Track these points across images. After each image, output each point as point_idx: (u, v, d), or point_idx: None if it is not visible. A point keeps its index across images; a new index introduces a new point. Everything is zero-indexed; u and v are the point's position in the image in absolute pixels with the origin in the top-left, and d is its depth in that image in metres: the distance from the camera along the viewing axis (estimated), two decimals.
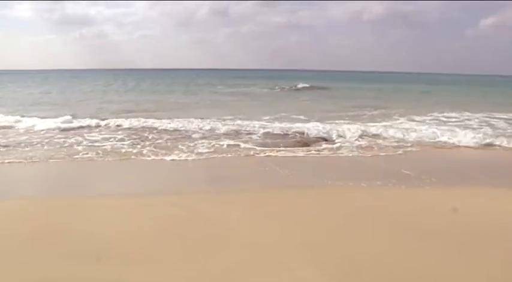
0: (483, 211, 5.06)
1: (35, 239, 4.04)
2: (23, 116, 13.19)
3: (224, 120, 12.95)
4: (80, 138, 9.95)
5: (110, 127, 11.82)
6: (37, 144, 9.29)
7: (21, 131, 11.24)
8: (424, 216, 4.84)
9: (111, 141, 9.65)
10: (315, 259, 3.63)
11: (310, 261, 3.59)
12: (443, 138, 10.34)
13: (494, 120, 14.30)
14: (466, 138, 10.21)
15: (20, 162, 7.55)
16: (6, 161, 7.56)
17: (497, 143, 9.95)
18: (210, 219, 4.62)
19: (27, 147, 8.94)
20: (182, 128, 11.56)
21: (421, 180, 6.48)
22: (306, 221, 4.62)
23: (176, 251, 3.82)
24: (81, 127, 11.74)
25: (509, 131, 12.02)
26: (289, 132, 11.03)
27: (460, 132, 10.89)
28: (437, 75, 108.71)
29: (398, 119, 14.12)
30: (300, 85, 34.49)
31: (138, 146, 9.06)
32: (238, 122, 12.57)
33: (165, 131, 11.27)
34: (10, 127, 11.82)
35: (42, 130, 11.21)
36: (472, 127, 12.54)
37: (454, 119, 14.43)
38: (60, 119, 12.42)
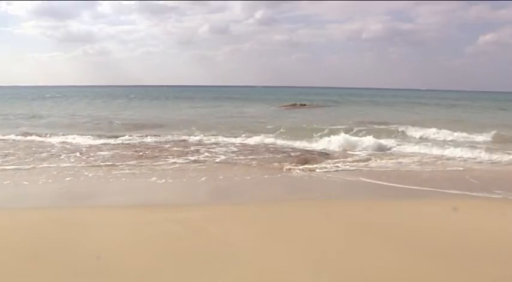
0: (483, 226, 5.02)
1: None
2: None
3: None
4: None
5: None
6: None
7: None
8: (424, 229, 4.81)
9: None
10: (320, 274, 3.58)
11: (314, 276, 3.54)
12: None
13: None
14: None
15: None
16: None
17: None
18: (212, 235, 4.58)
19: None
20: None
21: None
22: (309, 235, 4.58)
23: (178, 270, 3.77)
24: None
25: None
26: None
27: None
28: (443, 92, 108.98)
29: None
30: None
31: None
32: None
33: None
34: None
35: None
36: None
37: None
38: None
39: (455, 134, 13.84)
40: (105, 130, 15.74)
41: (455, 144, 12.17)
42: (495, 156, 9.98)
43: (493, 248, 4.25)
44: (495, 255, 4.08)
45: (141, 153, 10.24)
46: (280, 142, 12.24)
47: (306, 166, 8.86)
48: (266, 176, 7.98)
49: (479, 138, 13.28)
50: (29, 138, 12.61)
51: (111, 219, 5.30)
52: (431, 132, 14.32)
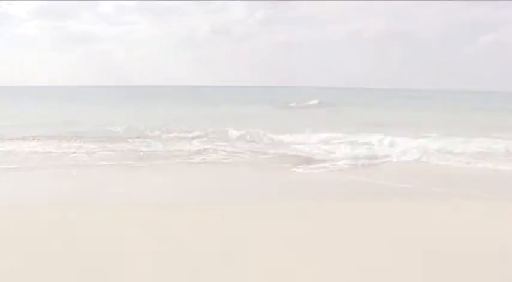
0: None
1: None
2: None
3: None
4: None
5: None
6: None
7: None
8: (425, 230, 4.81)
9: None
10: (320, 274, 3.58)
11: (314, 276, 3.54)
12: None
13: None
14: None
15: None
16: None
17: None
18: (212, 235, 4.58)
19: None
20: None
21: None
22: (309, 235, 4.58)
23: (178, 269, 3.77)
24: None
25: None
26: None
27: None
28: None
29: None
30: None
31: None
32: None
33: None
34: None
35: None
36: None
37: None
38: None
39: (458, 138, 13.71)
40: (105, 129, 15.71)
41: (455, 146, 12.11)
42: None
43: (492, 248, 4.25)
44: (495, 255, 4.08)
45: (141, 153, 10.23)
46: (280, 143, 12.24)
47: (306, 166, 8.87)
48: (266, 176, 8.01)
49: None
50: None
51: (111, 219, 5.29)
52: (430, 133, 14.26)
